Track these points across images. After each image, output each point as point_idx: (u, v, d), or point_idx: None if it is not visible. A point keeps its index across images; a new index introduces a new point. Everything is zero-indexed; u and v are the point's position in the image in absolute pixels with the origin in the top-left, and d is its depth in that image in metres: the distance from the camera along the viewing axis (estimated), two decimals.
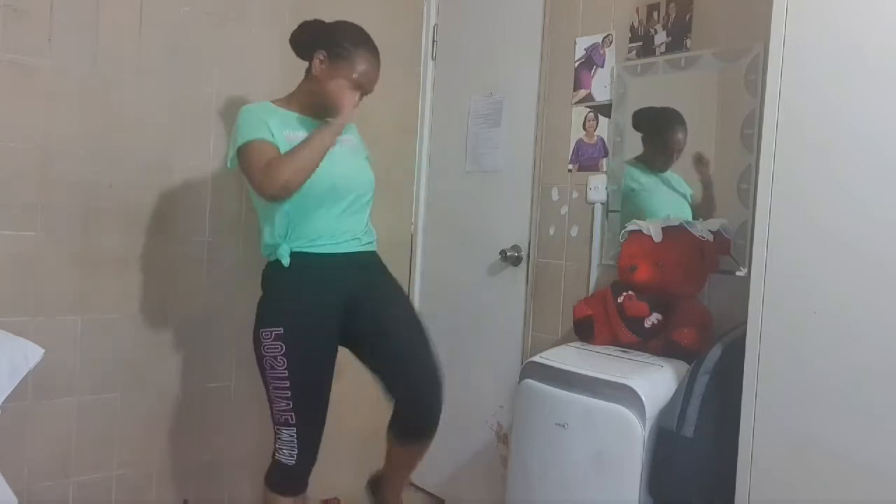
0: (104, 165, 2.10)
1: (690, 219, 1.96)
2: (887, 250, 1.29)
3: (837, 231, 1.35)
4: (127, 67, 2.13)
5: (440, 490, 2.75)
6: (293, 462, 1.83)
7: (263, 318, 1.85)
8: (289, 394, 1.80)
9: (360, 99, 1.89)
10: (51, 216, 2.02)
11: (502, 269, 2.54)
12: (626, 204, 2.16)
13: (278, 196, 1.76)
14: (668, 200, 2.09)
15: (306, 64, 1.93)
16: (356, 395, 2.32)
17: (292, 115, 1.89)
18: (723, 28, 1.94)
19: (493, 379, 2.53)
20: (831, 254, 1.36)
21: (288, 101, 1.92)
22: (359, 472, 2.30)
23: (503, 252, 2.49)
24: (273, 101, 1.91)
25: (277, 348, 1.79)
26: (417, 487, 2.84)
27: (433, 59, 2.86)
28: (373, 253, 1.99)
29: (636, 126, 2.13)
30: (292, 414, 1.81)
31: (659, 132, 2.12)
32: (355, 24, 1.93)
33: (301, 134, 1.83)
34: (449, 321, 2.71)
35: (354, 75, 1.84)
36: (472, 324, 2.64)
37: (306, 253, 1.84)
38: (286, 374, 1.79)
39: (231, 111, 2.32)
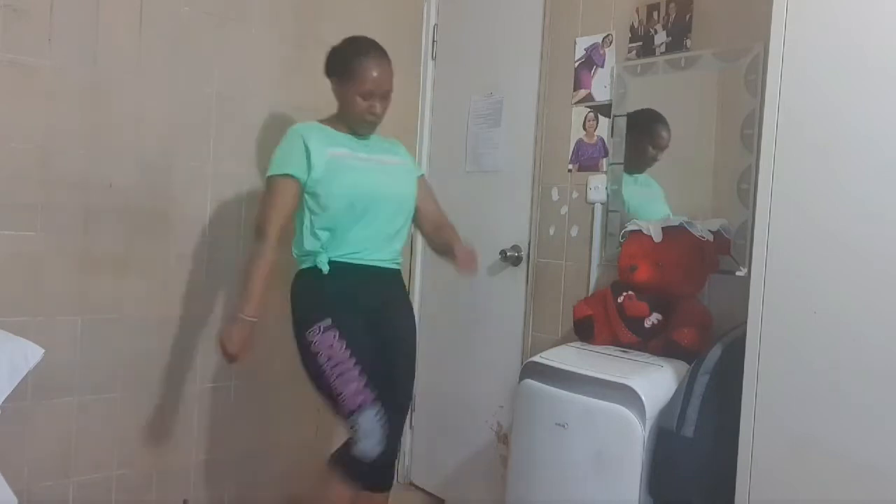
0: (104, 165, 2.10)
1: (670, 214, 1.98)
2: (887, 250, 1.29)
3: (837, 231, 1.35)
4: (127, 67, 2.13)
5: (440, 490, 2.75)
6: (381, 448, 1.79)
7: (307, 319, 1.86)
8: (358, 371, 1.79)
9: (383, 103, 1.94)
10: (51, 216, 2.02)
11: (502, 269, 2.54)
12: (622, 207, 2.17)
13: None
14: (648, 203, 2.12)
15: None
16: None
17: (337, 134, 1.96)
18: (723, 28, 1.94)
19: (493, 379, 2.53)
20: (831, 254, 1.36)
21: (333, 121, 2.00)
22: None
23: (503, 252, 2.49)
24: (321, 120, 1.99)
25: (331, 336, 1.80)
26: (417, 487, 2.84)
27: (433, 59, 2.86)
28: (398, 272, 2.05)
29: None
30: (368, 391, 1.79)
31: (635, 135, 2.14)
32: (354, 37, 1.97)
33: (343, 151, 1.92)
34: (449, 321, 2.71)
35: (364, 87, 1.89)
36: (472, 324, 2.64)
37: (343, 262, 1.90)
38: (349, 354, 1.79)
39: (231, 111, 2.33)
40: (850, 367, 1.33)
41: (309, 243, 1.91)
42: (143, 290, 2.19)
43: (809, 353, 1.38)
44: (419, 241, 2.87)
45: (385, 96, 1.94)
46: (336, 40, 2.05)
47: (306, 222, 1.91)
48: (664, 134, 2.07)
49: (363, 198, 1.89)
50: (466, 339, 2.65)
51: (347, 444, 1.84)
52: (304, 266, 1.93)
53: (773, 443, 1.43)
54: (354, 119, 1.94)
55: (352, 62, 1.91)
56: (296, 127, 1.95)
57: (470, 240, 2.65)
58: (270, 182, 1.90)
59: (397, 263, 2.03)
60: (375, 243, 1.93)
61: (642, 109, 2.13)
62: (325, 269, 1.87)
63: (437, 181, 2.84)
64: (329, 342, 1.80)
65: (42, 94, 1.98)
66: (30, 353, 1.64)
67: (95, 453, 2.13)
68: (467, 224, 2.68)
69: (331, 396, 1.81)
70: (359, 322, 1.88)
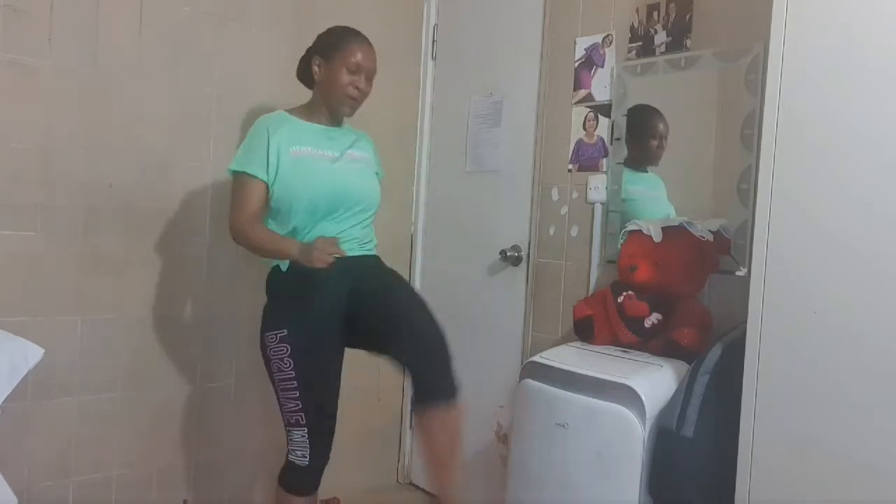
0: (104, 165, 2.10)
1: (673, 213, 1.98)
2: (887, 250, 1.29)
3: (837, 231, 1.35)
4: (127, 67, 2.13)
5: None
6: (306, 462, 1.86)
7: (268, 322, 1.86)
8: (297, 394, 1.82)
9: (367, 83, 1.93)
10: (51, 216, 2.01)
11: (502, 269, 2.54)
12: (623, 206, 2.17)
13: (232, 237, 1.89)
14: (654, 202, 2.11)
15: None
16: (356, 395, 2.32)
17: (306, 126, 1.92)
18: (723, 28, 1.94)
19: (493, 379, 2.53)
20: (831, 254, 1.36)
21: (302, 111, 1.96)
22: (359, 473, 2.30)
23: (503, 252, 2.49)
24: (290, 110, 1.95)
25: (283, 350, 1.81)
26: (417, 487, 2.84)
27: (433, 59, 2.86)
28: (374, 256, 1.99)
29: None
30: (302, 414, 1.83)
31: (635, 131, 2.14)
32: (341, 25, 1.98)
33: (307, 149, 1.87)
34: (449, 321, 2.70)
35: (352, 59, 1.89)
36: (472, 324, 2.63)
37: None
38: (293, 375, 1.81)
39: (231, 111, 2.33)
40: (850, 367, 1.33)
41: None
42: (143, 290, 2.19)
43: (809, 353, 1.38)
44: (419, 241, 2.87)
45: (369, 77, 1.94)
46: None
47: (267, 221, 1.88)
48: (661, 125, 2.08)
49: (326, 198, 1.85)
50: (466, 339, 2.64)
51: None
52: (271, 264, 1.90)
53: (773, 443, 1.43)
54: (336, 96, 1.91)
55: (341, 38, 1.93)
56: (262, 119, 1.91)
57: (470, 240, 2.66)
58: (234, 178, 1.86)
59: (367, 248, 1.97)
60: (340, 238, 1.86)
61: (636, 106, 2.14)
62: (284, 266, 1.85)
63: (437, 181, 2.85)
64: (280, 355, 1.82)
65: (42, 94, 1.98)
66: (30, 353, 1.63)
67: (95, 453, 2.13)
68: (467, 224, 2.69)
69: (277, 399, 1.87)
70: (325, 326, 1.84)
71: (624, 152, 2.16)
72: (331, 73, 1.91)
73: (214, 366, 2.35)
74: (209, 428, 2.36)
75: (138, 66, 2.15)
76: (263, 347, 1.86)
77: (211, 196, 2.31)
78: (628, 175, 2.16)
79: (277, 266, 1.87)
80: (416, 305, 1.91)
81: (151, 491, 2.25)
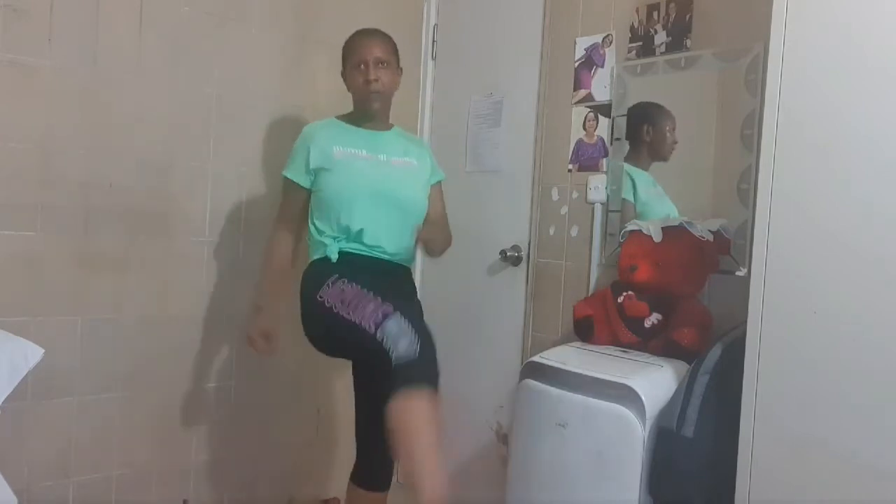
0: (104, 165, 2.10)
1: (675, 214, 1.98)
2: (887, 250, 1.29)
3: (837, 231, 1.35)
4: (127, 67, 2.13)
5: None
6: (416, 349, 1.63)
7: (316, 286, 1.85)
8: (372, 294, 1.73)
9: (380, 69, 1.99)
10: (51, 216, 2.01)
11: (502, 269, 2.54)
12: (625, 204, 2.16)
13: None
14: (655, 199, 2.11)
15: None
16: (356, 395, 2.31)
17: (352, 130, 2.04)
18: (723, 28, 1.94)
19: (493, 379, 2.53)
20: (831, 254, 1.36)
21: (349, 117, 2.09)
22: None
23: (503, 252, 2.49)
24: (340, 116, 2.09)
25: (340, 284, 1.80)
26: None
27: (433, 59, 2.86)
28: (408, 269, 2.10)
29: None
30: (385, 305, 1.69)
31: (637, 128, 2.14)
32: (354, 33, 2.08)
33: (350, 150, 1.98)
34: (449, 321, 2.70)
35: (357, 57, 2.00)
36: (472, 324, 2.63)
37: (351, 253, 1.95)
38: (359, 287, 1.76)
39: (231, 111, 2.33)
40: (850, 367, 1.33)
41: (317, 234, 1.98)
42: (143, 290, 2.19)
43: (809, 353, 1.38)
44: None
45: (378, 63, 1.99)
46: (336, 40, 2.06)
47: (315, 216, 2.00)
48: (664, 120, 2.08)
49: (367, 197, 1.94)
50: (466, 339, 2.65)
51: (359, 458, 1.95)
52: (315, 257, 1.98)
53: (773, 443, 1.43)
54: (359, 95, 2.03)
55: (347, 44, 2.05)
56: (309, 127, 2.05)
57: (470, 240, 2.66)
58: (284, 183, 2.04)
59: (406, 261, 2.08)
60: (381, 240, 1.97)
61: (638, 103, 2.14)
62: (335, 258, 1.91)
63: None
64: (339, 289, 1.79)
65: (42, 94, 1.98)
66: (30, 353, 1.63)
67: (95, 453, 2.13)
68: (467, 224, 2.68)
69: (354, 331, 1.70)
70: (367, 280, 1.84)
71: (625, 150, 2.16)
72: (349, 79, 2.04)
73: (214, 366, 2.35)
74: (209, 428, 2.36)
75: (138, 66, 2.15)
76: (318, 306, 1.81)
77: (211, 196, 2.31)
78: (636, 173, 2.15)
79: (325, 257, 1.92)
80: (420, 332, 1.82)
81: (151, 491, 2.25)
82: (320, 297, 1.84)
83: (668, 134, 2.08)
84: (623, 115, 2.16)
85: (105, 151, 2.10)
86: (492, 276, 2.57)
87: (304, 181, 1.99)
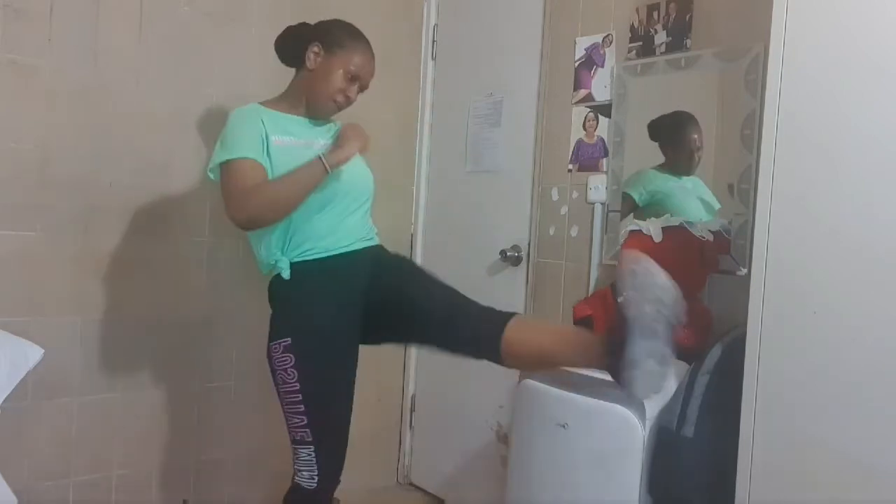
0: (104, 165, 2.10)
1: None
2: (887, 250, 1.29)
3: (838, 231, 1.35)
4: (127, 67, 2.13)
5: (440, 490, 2.75)
6: (314, 485, 1.72)
7: (272, 331, 1.74)
8: (302, 408, 1.70)
9: (357, 94, 1.85)
10: (51, 216, 2.01)
11: (502, 269, 2.54)
12: (649, 209, 2.11)
13: (242, 227, 1.70)
14: (692, 205, 2.05)
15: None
16: (356, 395, 2.31)
17: (283, 117, 1.81)
18: (723, 28, 1.94)
19: (493, 379, 2.52)
20: (831, 254, 1.36)
21: (278, 102, 1.84)
22: (359, 473, 2.29)
23: (503, 252, 2.49)
24: (263, 103, 1.83)
25: (287, 360, 1.69)
26: (417, 487, 2.84)
27: (433, 59, 2.86)
28: (377, 245, 1.90)
29: (653, 137, 2.09)
30: (308, 430, 1.70)
31: (672, 137, 2.08)
32: (347, 22, 1.90)
33: (289, 139, 1.76)
34: None
35: (352, 67, 1.80)
36: None
37: (307, 261, 1.75)
38: (297, 388, 1.69)
39: (231, 111, 2.32)
40: (850, 367, 1.33)
41: (264, 252, 1.78)
42: (143, 290, 2.19)
43: (809, 353, 1.38)
44: (419, 241, 2.87)
45: (362, 88, 1.85)
46: None
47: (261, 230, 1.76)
48: (695, 136, 2.03)
49: (327, 185, 1.73)
50: None
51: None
52: (272, 273, 1.79)
53: (773, 443, 1.43)
54: (324, 94, 1.79)
55: (348, 37, 1.82)
56: (242, 110, 1.79)
57: (470, 239, 2.66)
58: (229, 166, 1.69)
59: (371, 240, 1.88)
60: (337, 230, 1.78)
61: (674, 112, 2.07)
62: (286, 274, 1.73)
63: (437, 181, 2.85)
64: (284, 366, 1.70)
65: (42, 94, 1.98)
66: (30, 353, 1.64)
67: (95, 453, 2.13)
68: (467, 224, 2.69)
69: (284, 414, 1.75)
70: (333, 334, 1.74)
71: (660, 158, 2.11)
72: (327, 68, 1.79)
73: (214, 366, 2.35)
74: (209, 428, 2.36)
75: (138, 66, 2.15)
76: (270, 358, 1.73)
77: (211, 195, 2.31)
78: (660, 178, 2.11)
79: (278, 275, 1.75)
80: (431, 284, 1.81)
81: (151, 491, 2.25)
82: (272, 352, 1.72)
83: (696, 145, 2.05)
84: (622, 116, 2.16)
85: (105, 151, 2.10)
86: (492, 276, 2.57)
87: (259, 157, 1.70)
